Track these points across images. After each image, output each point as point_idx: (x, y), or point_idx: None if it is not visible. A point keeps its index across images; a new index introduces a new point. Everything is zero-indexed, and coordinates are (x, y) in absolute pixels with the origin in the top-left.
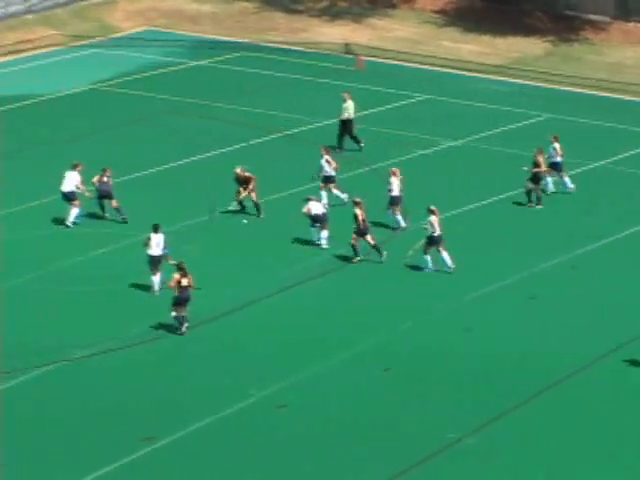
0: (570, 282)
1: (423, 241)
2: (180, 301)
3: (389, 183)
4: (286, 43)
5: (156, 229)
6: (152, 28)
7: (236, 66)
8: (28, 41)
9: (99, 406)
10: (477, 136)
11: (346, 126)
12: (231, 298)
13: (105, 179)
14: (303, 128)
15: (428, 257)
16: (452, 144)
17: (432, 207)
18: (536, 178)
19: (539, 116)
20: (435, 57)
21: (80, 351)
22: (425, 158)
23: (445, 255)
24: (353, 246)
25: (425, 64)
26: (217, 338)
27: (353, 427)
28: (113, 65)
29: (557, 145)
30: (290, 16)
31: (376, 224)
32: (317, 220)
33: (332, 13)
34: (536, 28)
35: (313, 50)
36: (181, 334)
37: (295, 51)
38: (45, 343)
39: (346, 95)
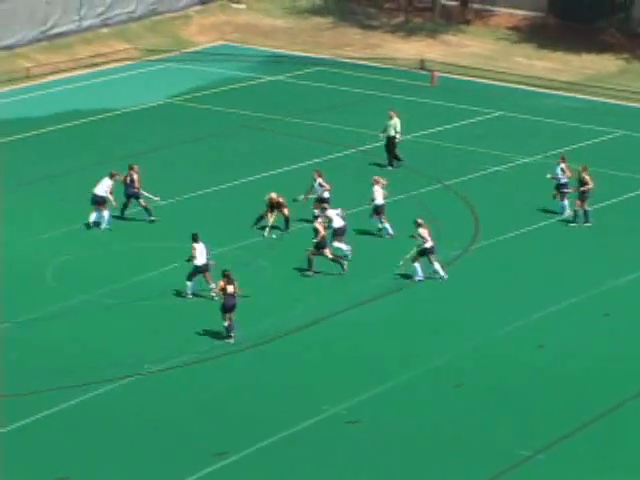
0: None
1: (414, 251)
2: (225, 308)
3: (372, 192)
4: (361, 59)
5: (196, 239)
6: (226, 43)
7: (311, 81)
8: (103, 55)
9: (172, 420)
10: (551, 153)
11: (391, 143)
12: (302, 314)
13: (129, 179)
14: (377, 144)
15: (417, 265)
16: (525, 160)
17: (419, 220)
18: (583, 196)
19: (613, 133)
20: (509, 73)
21: (154, 365)
22: (498, 175)
23: (437, 266)
24: (309, 260)
25: (499, 80)
26: (289, 353)
27: (425, 443)
28: (188, 79)
29: (564, 165)
30: (365, 32)
31: (443, 243)
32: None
33: (407, 29)
34: (610, 45)
35: (388, 66)
36: (228, 342)
37: (370, 67)
38: (119, 357)
39: (392, 113)
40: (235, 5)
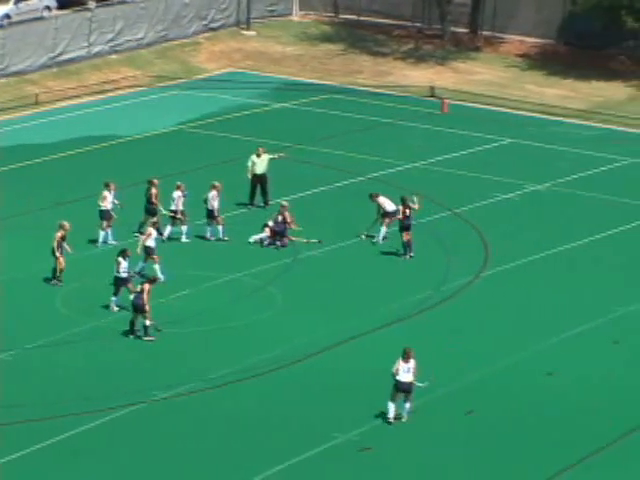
0: None
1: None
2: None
3: (173, 199)
4: (371, 86)
5: (123, 255)
6: (236, 70)
7: (320, 108)
8: (112, 81)
9: (176, 450)
10: (561, 180)
11: (256, 180)
12: (321, 338)
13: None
14: (388, 171)
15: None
16: (536, 188)
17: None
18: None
19: (623, 160)
20: (519, 101)
21: (161, 392)
22: (508, 202)
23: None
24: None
25: (509, 108)
26: (306, 378)
27: (437, 470)
28: (197, 106)
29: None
30: (375, 59)
31: (454, 270)
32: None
33: (416, 56)
34: (620, 72)
35: (398, 93)
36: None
37: (380, 94)
38: (128, 385)
39: (261, 150)
40: (245, 32)
